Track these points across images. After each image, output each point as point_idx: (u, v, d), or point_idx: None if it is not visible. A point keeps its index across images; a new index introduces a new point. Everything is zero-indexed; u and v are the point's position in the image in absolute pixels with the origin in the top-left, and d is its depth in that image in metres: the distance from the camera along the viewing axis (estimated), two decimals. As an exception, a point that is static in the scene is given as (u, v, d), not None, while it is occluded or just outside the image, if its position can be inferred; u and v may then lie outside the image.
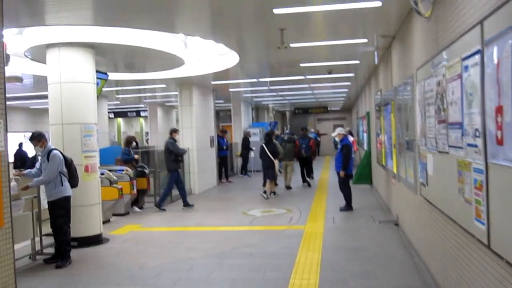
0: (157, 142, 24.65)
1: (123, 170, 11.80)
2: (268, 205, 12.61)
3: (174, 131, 12.92)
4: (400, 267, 6.63)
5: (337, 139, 11.54)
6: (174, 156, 12.43)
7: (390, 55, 9.60)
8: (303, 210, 11.40)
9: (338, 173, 11.29)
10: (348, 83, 17.73)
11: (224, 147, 18.48)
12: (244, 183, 17.99)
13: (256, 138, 22.95)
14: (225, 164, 18.76)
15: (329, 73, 13.64)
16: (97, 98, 10.94)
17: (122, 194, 10.89)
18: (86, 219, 8.63)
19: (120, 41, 8.86)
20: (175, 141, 12.73)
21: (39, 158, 7.84)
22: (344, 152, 11.10)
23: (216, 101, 24.31)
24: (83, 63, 8.68)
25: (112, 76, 13.13)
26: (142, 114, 27.07)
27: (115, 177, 10.99)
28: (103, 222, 10.50)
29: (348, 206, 11.23)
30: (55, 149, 7.63)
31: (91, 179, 8.70)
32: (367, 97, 17.24)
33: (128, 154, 12.57)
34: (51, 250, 7.96)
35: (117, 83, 15.04)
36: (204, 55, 12.64)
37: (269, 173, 13.95)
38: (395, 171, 9.00)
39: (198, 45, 11.56)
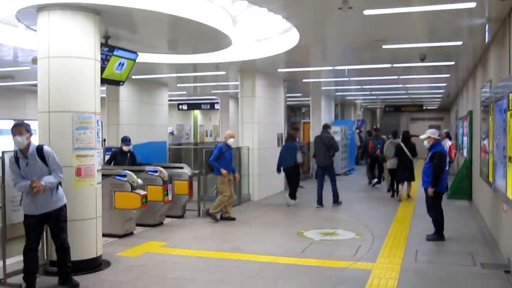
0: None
1: (156, 172, 9.68)
2: (336, 223, 10.01)
3: (328, 126, 12.99)
4: None
5: (426, 144, 8.65)
6: (332, 151, 12.11)
7: (509, 28, 6.68)
8: (378, 235, 8.70)
9: (426, 190, 8.44)
10: (447, 75, 14.59)
11: (296, 147, 15.95)
12: (315, 189, 15.31)
13: (337, 137, 20.22)
14: (295, 167, 16.23)
15: (422, 60, 10.73)
16: (124, 82, 9.08)
17: (147, 202, 8.71)
18: (78, 238, 6.49)
19: (138, 4, 6.61)
20: None
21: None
22: (435, 163, 8.19)
23: (293, 95, 21.96)
24: (80, 32, 6.51)
25: (157, 58, 11.13)
26: (216, 106, 25.13)
27: (140, 181, 8.85)
28: (123, 235, 8.60)
29: (437, 235, 8.37)
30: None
31: (85, 185, 6.55)
32: (469, 92, 14.07)
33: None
34: (17, 279, 5.93)
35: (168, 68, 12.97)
36: (260, 35, 10.24)
37: (410, 174, 12.83)
38: (510, 195, 6.14)
39: (250, 23, 9.21)
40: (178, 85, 17.64)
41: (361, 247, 7.84)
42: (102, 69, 8.12)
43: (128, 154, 10.80)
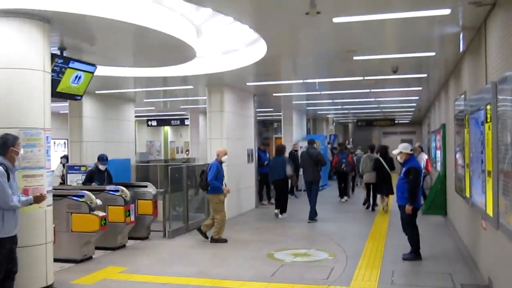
0: (198, 154, 22.01)
1: (117, 191, 9.11)
2: (308, 242, 9.57)
3: (314, 141, 13.19)
4: None
5: (399, 159, 8.29)
6: (320, 166, 12.30)
7: (485, 36, 6.38)
8: (352, 255, 8.28)
9: (401, 207, 8.05)
10: (419, 88, 14.37)
11: (266, 163, 15.48)
12: (289, 207, 14.84)
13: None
14: (266, 183, 15.68)
15: (394, 72, 10.44)
16: (82, 96, 8.55)
17: (106, 224, 8.15)
18: (26, 266, 5.91)
19: (91, 12, 6.10)
20: None
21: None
22: (411, 179, 7.80)
23: (265, 109, 21.60)
24: (26, 41, 5.99)
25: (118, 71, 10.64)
26: (186, 122, 24.60)
27: (99, 201, 8.28)
28: (81, 260, 8.00)
29: (414, 254, 7.98)
30: None
31: (33, 208, 5.98)
32: (442, 105, 13.87)
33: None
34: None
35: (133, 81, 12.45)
36: (227, 46, 9.83)
37: (388, 188, 13.26)
38: (490, 212, 5.77)
39: (216, 34, 8.79)
40: (145, 100, 17.11)
41: (335, 269, 7.39)
42: (57, 82, 7.67)
43: (105, 173, 10.26)
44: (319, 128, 28.43)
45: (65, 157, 12.60)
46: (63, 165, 12.63)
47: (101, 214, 8.09)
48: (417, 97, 17.36)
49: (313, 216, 12.07)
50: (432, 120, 19.07)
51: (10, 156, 5.36)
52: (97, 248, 8.69)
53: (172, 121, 26.16)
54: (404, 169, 8.00)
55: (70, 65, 7.80)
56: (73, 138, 13.65)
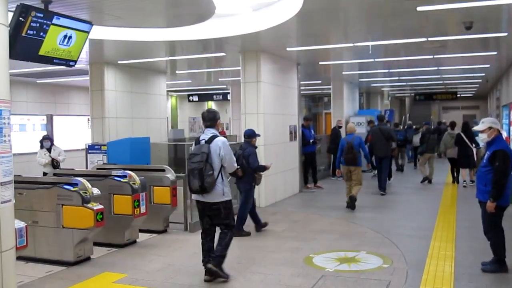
0: (240, 131, 20.30)
1: (124, 177, 7.54)
2: (357, 241, 7.71)
3: (384, 117, 14.23)
4: None
5: (484, 138, 6.13)
6: (391, 142, 12.98)
7: None
8: (413, 262, 6.41)
9: (482, 204, 6.05)
10: (493, 53, 12.11)
11: (311, 141, 13.64)
12: (337, 190, 12.91)
13: (362, 129, 17.77)
14: (312, 164, 13.87)
15: (468, 29, 8.35)
16: (75, 62, 6.94)
17: (103, 219, 6.58)
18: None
19: None
20: None
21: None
22: (497, 167, 5.74)
23: (313, 82, 19.69)
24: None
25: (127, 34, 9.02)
26: (229, 97, 22.86)
27: (95, 191, 6.72)
28: (75, 263, 6.52)
29: (497, 265, 5.98)
30: None
31: (-18, 205, 4.46)
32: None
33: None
34: None
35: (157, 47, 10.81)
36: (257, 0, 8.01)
37: (471, 161, 13.47)
38: None
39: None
40: (177, 71, 15.47)
41: (392, 285, 5.58)
42: (39, 43, 6.10)
43: None
44: (373, 103, 26.22)
45: (48, 139, 10.91)
46: (48, 149, 10.79)
47: (97, 207, 6.52)
48: (487, 65, 15.03)
49: (384, 188, 12.50)
50: (504, 92, 16.67)
51: (217, 128, 6.02)
52: (101, 244, 7.25)
53: (214, 96, 24.54)
54: (487, 153, 5.95)
55: (55, 21, 6.15)
56: (95, 114, 12.30)
